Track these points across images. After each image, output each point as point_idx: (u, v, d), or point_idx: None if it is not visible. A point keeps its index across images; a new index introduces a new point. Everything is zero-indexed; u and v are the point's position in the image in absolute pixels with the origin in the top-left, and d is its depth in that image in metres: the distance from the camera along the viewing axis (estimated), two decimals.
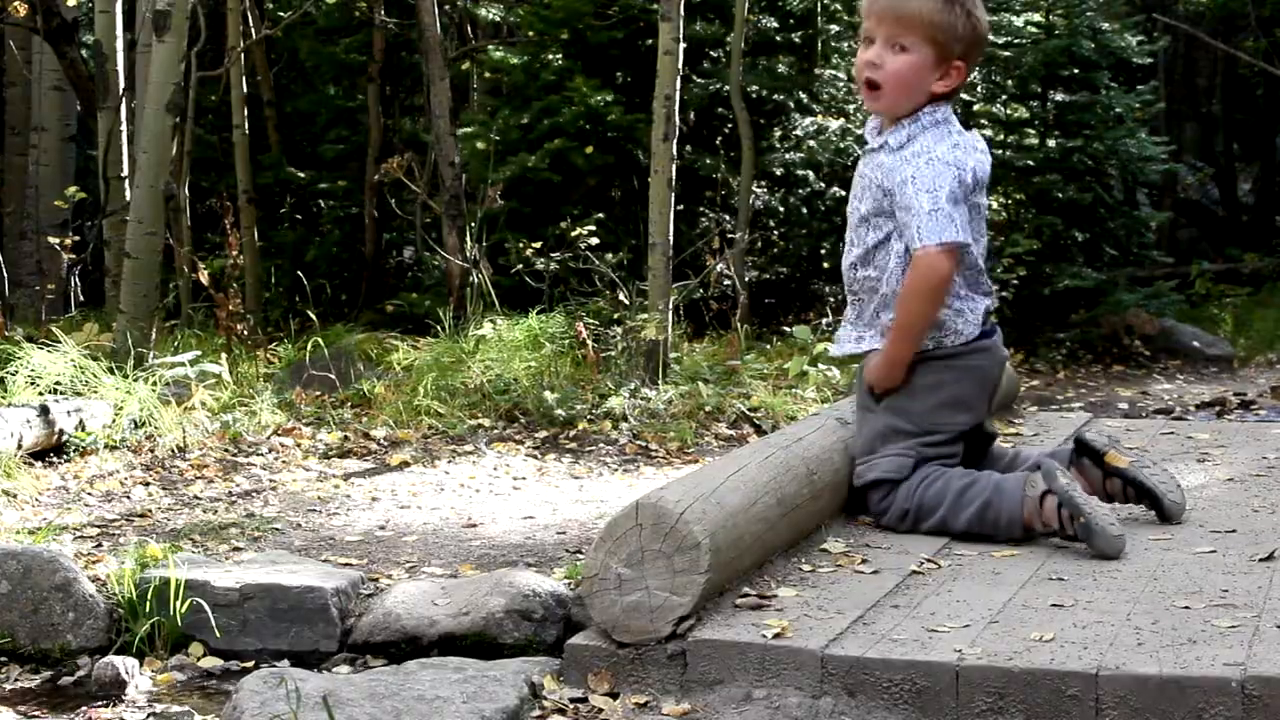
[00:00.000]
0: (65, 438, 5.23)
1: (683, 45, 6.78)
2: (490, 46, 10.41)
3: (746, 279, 8.22)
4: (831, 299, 10.02)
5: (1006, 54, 10.12)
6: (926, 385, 3.65)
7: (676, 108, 6.72)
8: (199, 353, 6.34)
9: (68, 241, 8.54)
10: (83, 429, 5.29)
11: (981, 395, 3.72)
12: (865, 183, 3.73)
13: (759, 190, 10.11)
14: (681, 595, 2.85)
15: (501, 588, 3.34)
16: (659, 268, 6.68)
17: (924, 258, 3.55)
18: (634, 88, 9.90)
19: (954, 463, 3.65)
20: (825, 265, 10.54)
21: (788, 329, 8.18)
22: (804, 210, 10.31)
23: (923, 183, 3.58)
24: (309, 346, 6.98)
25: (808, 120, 10.29)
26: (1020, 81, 10.23)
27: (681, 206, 8.86)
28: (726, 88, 9.69)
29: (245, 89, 10.03)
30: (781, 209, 10.31)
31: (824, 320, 8.90)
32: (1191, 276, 11.72)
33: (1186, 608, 2.92)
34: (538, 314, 6.98)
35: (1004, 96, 10.40)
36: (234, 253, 7.74)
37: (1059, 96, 10.20)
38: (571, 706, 2.77)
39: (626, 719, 2.73)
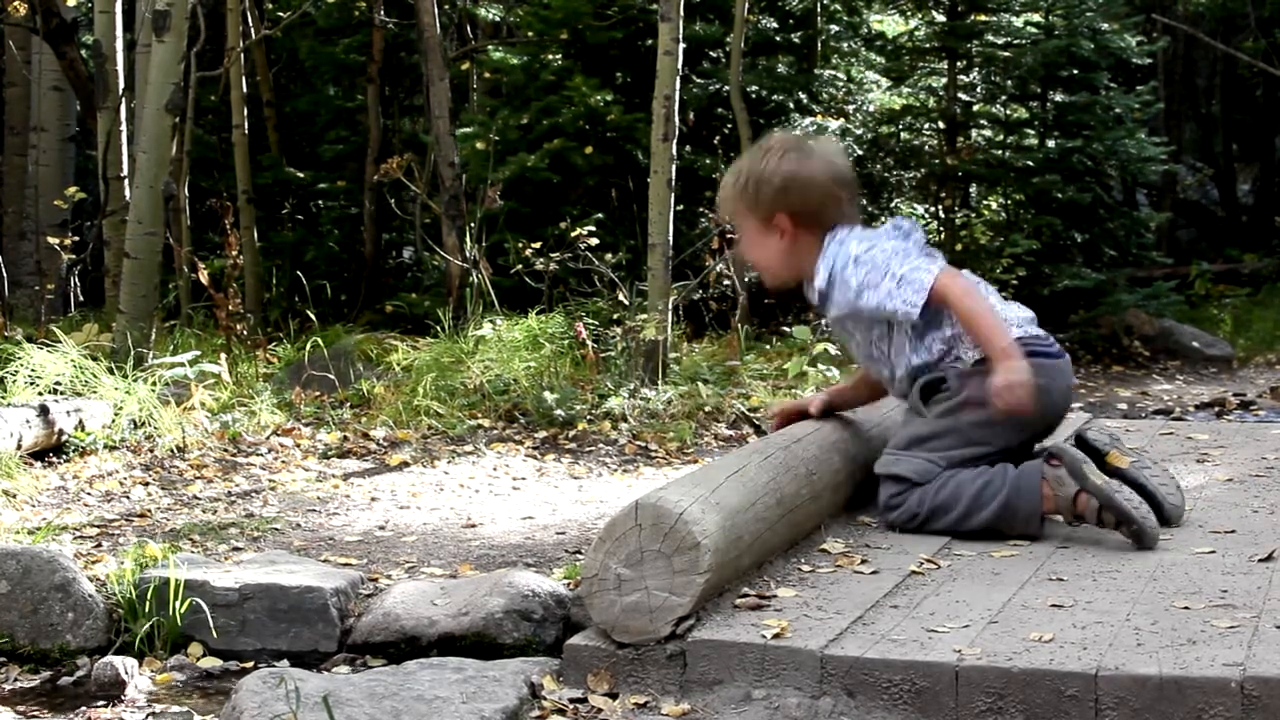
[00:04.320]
0: (65, 438, 5.23)
1: (682, 45, 6.79)
2: (490, 47, 10.41)
3: (746, 279, 8.21)
4: None
5: (1006, 54, 10.13)
6: (978, 399, 3.59)
7: (676, 108, 6.72)
8: (198, 353, 6.34)
9: (67, 242, 8.55)
10: (82, 429, 5.29)
11: (1040, 416, 3.65)
12: (839, 324, 3.85)
13: None
14: (681, 595, 2.85)
15: (501, 588, 3.34)
16: (658, 268, 6.68)
17: (935, 293, 3.57)
18: (633, 88, 9.90)
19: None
20: None
21: (787, 329, 8.18)
22: None
23: (869, 282, 3.64)
24: (308, 347, 6.99)
25: (807, 120, 10.29)
26: (1020, 82, 10.24)
27: (681, 207, 8.86)
28: (726, 88, 9.69)
29: (245, 89, 10.04)
30: None
31: (823, 320, 8.90)
32: (1191, 277, 11.72)
33: (1186, 608, 2.92)
34: (537, 314, 6.99)
35: (1003, 97, 10.40)
36: (233, 253, 7.74)
37: (1058, 97, 10.21)
38: (571, 707, 2.77)
39: (626, 719, 2.73)
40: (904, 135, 10.79)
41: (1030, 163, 9.90)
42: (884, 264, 3.63)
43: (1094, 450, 3.64)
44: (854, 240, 3.72)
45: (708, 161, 9.88)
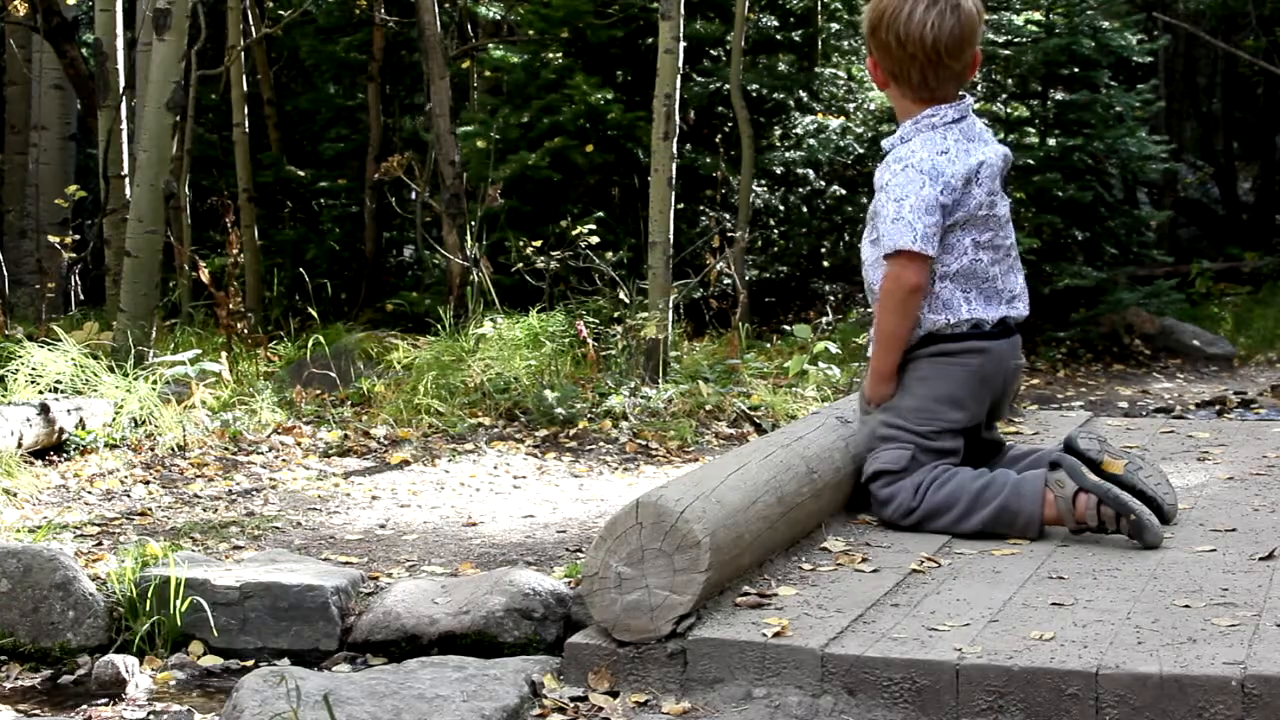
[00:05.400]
0: (65, 436, 5.23)
1: (683, 44, 6.79)
2: (490, 45, 10.41)
3: (746, 277, 8.22)
4: (832, 298, 10.02)
5: (1006, 53, 10.12)
6: (915, 380, 3.66)
7: (676, 106, 6.72)
8: (199, 351, 6.34)
9: (68, 240, 8.54)
10: (83, 427, 5.29)
11: (977, 395, 3.67)
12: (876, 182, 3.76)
13: (759, 189, 10.11)
14: (681, 594, 2.85)
15: (501, 586, 3.34)
16: (659, 266, 6.68)
17: (890, 266, 3.57)
18: (634, 86, 9.91)
19: (956, 460, 3.64)
20: (825, 264, 10.55)
21: (788, 328, 8.18)
22: (804, 209, 10.31)
23: (891, 190, 3.60)
24: (309, 345, 6.99)
25: (808, 119, 10.29)
26: (1020, 80, 10.24)
27: (682, 205, 8.86)
28: (727, 86, 9.69)
29: (245, 87, 10.04)
30: (781, 208, 10.31)
31: (824, 319, 8.90)
32: (1192, 275, 11.71)
33: (1186, 606, 2.92)
34: (538, 313, 6.98)
35: (1004, 95, 10.40)
36: (234, 251, 7.74)
37: (1059, 95, 10.21)
38: (571, 705, 2.77)
39: (627, 717, 2.73)
40: None
41: (1031, 161, 9.90)
42: (907, 191, 3.55)
43: (1087, 460, 3.63)
44: (932, 143, 3.60)
45: (708, 160, 9.88)
